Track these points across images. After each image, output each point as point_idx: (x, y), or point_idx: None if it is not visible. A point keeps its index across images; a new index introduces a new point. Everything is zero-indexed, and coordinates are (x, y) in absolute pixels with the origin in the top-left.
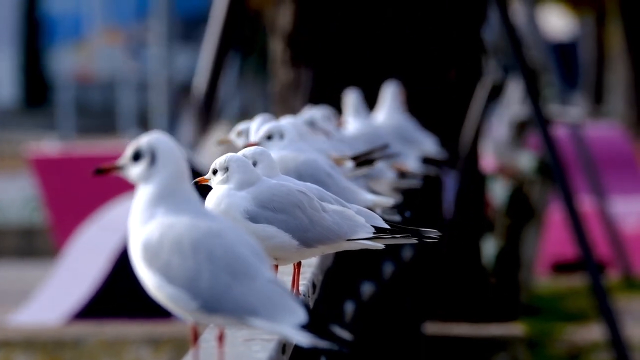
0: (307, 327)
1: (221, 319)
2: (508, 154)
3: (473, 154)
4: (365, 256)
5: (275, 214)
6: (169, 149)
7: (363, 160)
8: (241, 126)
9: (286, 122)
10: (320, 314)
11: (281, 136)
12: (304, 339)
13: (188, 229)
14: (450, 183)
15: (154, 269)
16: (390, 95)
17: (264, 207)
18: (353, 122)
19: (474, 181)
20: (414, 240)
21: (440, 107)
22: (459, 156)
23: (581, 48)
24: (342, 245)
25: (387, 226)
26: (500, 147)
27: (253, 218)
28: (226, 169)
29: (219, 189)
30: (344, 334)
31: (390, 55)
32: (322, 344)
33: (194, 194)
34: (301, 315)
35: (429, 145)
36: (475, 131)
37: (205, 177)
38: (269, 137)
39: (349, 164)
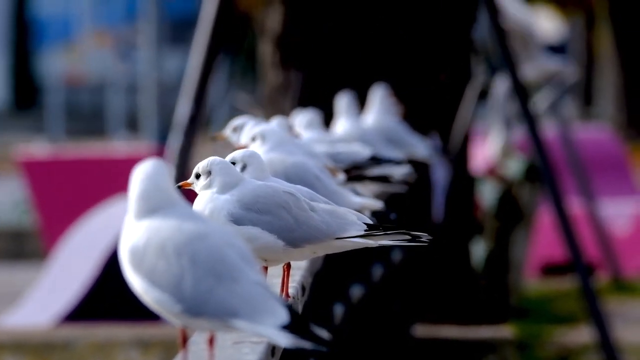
0: (289, 328)
1: (205, 322)
2: (497, 158)
3: (463, 156)
4: (355, 259)
5: (259, 215)
6: (138, 173)
7: (356, 174)
8: (237, 122)
9: (274, 124)
10: (301, 314)
11: (263, 139)
12: (284, 340)
13: (172, 233)
14: (439, 185)
15: (140, 273)
16: (379, 97)
17: (248, 209)
18: (344, 125)
19: (463, 183)
20: (406, 238)
21: (431, 109)
22: (449, 158)
23: (570, 50)
24: (332, 244)
25: (378, 225)
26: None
27: (237, 220)
28: (209, 173)
29: (204, 194)
30: (324, 334)
31: (381, 57)
32: (303, 344)
33: (180, 199)
34: (283, 316)
35: (420, 148)
36: (465, 133)
37: (189, 181)
38: (253, 140)
39: (341, 176)
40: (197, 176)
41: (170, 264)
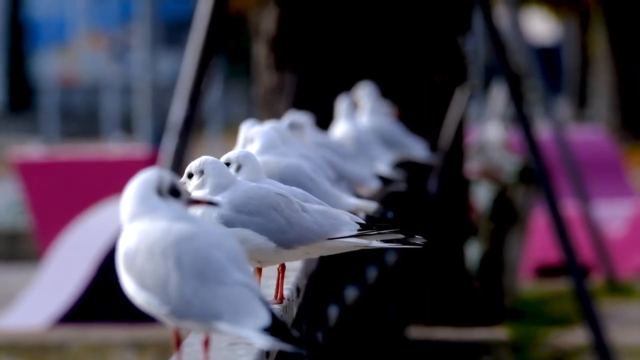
0: (270, 330)
1: (191, 324)
2: (494, 159)
3: (457, 158)
4: (350, 260)
5: (250, 217)
6: (130, 184)
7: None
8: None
9: (267, 126)
10: (281, 318)
11: (251, 142)
12: (264, 342)
13: (161, 235)
14: (435, 187)
15: (131, 275)
16: (370, 96)
17: (239, 211)
18: (342, 127)
19: (455, 184)
20: (400, 236)
21: (426, 111)
22: (441, 159)
23: (565, 52)
24: (325, 245)
25: (371, 225)
26: (486, 151)
27: (228, 222)
28: (201, 172)
29: (196, 195)
30: (302, 336)
31: (375, 59)
32: (283, 346)
33: (162, 205)
34: (265, 319)
35: (418, 149)
36: (456, 135)
37: (181, 181)
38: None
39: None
40: (190, 176)
41: (157, 266)
